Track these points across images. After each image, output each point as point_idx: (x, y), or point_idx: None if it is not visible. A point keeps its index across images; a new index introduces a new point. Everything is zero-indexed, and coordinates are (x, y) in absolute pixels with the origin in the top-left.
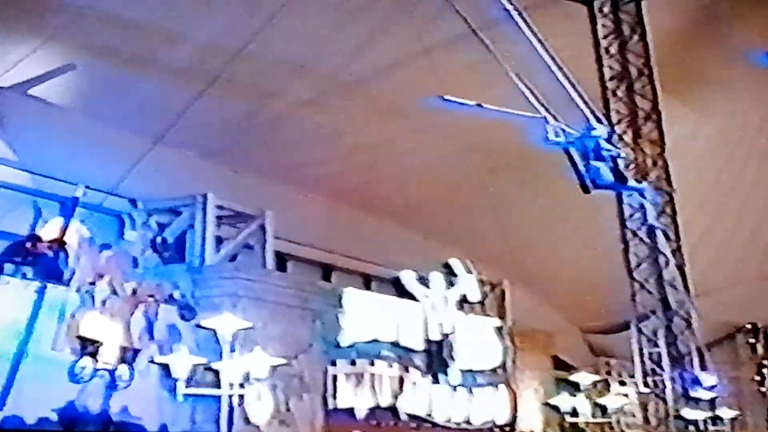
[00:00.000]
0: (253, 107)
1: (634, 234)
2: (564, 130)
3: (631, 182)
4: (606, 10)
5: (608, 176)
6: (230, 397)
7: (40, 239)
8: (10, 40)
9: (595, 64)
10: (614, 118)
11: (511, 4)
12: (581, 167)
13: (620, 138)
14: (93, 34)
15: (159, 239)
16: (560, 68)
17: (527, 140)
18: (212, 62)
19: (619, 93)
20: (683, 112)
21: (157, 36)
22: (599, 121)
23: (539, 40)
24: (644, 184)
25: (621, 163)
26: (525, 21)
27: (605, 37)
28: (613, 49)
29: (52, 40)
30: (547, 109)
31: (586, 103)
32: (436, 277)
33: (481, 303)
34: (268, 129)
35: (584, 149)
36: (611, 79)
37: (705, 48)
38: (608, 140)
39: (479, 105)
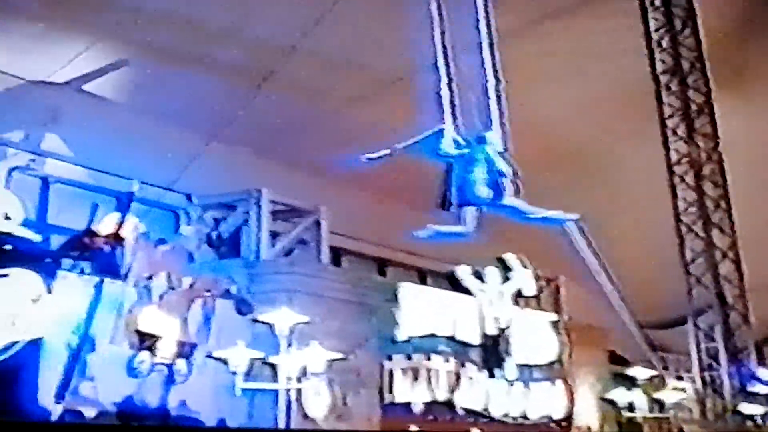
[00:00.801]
0: (307, 103)
1: (689, 229)
2: (458, 142)
3: (510, 200)
4: (657, 3)
5: (484, 193)
6: (287, 391)
7: (96, 234)
8: (65, 37)
9: (647, 58)
10: (667, 112)
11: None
12: (453, 182)
13: (674, 132)
14: (147, 31)
15: (214, 234)
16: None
17: (582, 136)
18: (266, 59)
19: (672, 87)
20: (737, 105)
21: (211, 33)
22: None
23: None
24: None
25: (506, 181)
26: None
27: (656, 30)
28: (665, 43)
29: (106, 37)
30: (454, 117)
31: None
32: (492, 272)
33: (537, 298)
34: (322, 125)
35: (471, 161)
36: (663, 72)
37: (758, 41)
38: (502, 153)
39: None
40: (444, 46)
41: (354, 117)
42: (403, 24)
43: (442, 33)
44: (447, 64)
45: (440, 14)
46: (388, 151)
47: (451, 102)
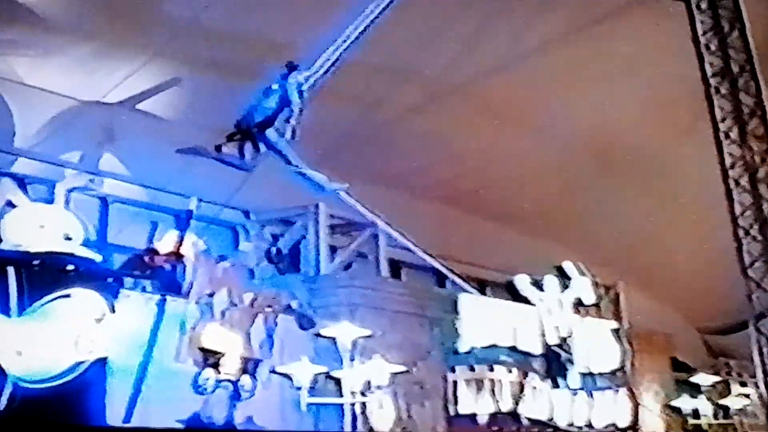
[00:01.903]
0: (362, 115)
1: (746, 232)
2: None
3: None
4: (704, 6)
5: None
6: (352, 405)
7: (157, 252)
8: (118, 57)
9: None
10: (719, 115)
11: None
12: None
13: (726, 136)
14: (198, 48)
15: (273, 250)
16: None
17: (636, 140)
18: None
19: (723, 90)
20: None
21: (261, 46)
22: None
23: None
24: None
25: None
26: None
27: (704, 33)
28: (713, 46)
29: (158, 56)
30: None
31: None
32: (551, 281)
33: (596, 306)
34: (377, 136)
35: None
36: (713, 75)
37: None
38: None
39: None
40: None
41: (410, 127)
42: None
43: None
44: None
45: None
46: None
47: None
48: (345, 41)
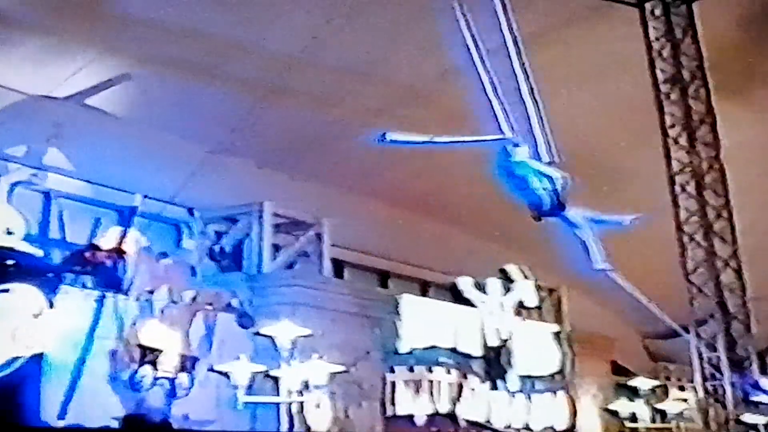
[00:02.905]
0: (314, 115)
1: (691, 238)
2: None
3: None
4: (657, 12)
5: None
6: (290, 404)
7: (99, 248)
8: (67, 51)
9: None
10: (668, 121)
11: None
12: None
13: (675, 142)
14: (152, 45)
15: (216, 248)
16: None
17: (590, 147)
18: (272, 71)
19: (673, 96)
20: (739, 114)
21: (218, 45)
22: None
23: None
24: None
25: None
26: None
27: (657, 39)
28: (665, 53)
29: (109, 51)
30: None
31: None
32: (493, 283)
33: (538, 308)
34: (327, 137)
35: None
36: (664, 82)
37: (759, 48)
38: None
39: (431, 141)
40: (478, 51)
41: (360, 128)
42: (414, 33)
43: (473, 37)
44: (487, 70)
45: (466, 20)
46: (426, 138)
47: (503, 109)
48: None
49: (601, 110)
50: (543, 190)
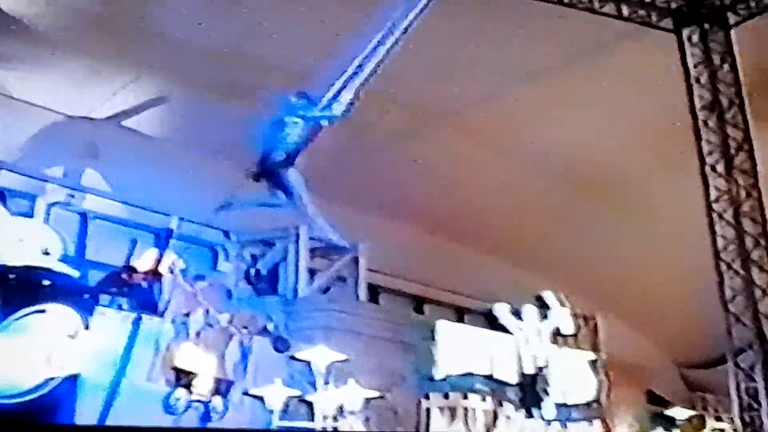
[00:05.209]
0: (348, 138)
1: (729, 266)
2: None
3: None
4: (695, 39)
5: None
6: (324, 429)
7: (135, 270)
8: (105, 73)
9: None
10: (706, 148)
11: None
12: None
13: (713, 169)
14: (189, 66)
15: (252, 271)
16: None
17: (622, 170)
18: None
19: (711, 123)
20: None
21: (255, 66)
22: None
23: None
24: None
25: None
26: None
27: (695, 66)
28: (703, 79)
29: (146, 73)
30: None
31: None
32: (530, 310)
33: (575, 336)
34: (363, 161)
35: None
36: (702, 109)
37: None
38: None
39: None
40: None
41: (396, 152)
42: (448, 58)
43: None
44: None
45: None
46: None
47: None
48: (357, 71)
49: (635, 135)
50: (296, 137)
